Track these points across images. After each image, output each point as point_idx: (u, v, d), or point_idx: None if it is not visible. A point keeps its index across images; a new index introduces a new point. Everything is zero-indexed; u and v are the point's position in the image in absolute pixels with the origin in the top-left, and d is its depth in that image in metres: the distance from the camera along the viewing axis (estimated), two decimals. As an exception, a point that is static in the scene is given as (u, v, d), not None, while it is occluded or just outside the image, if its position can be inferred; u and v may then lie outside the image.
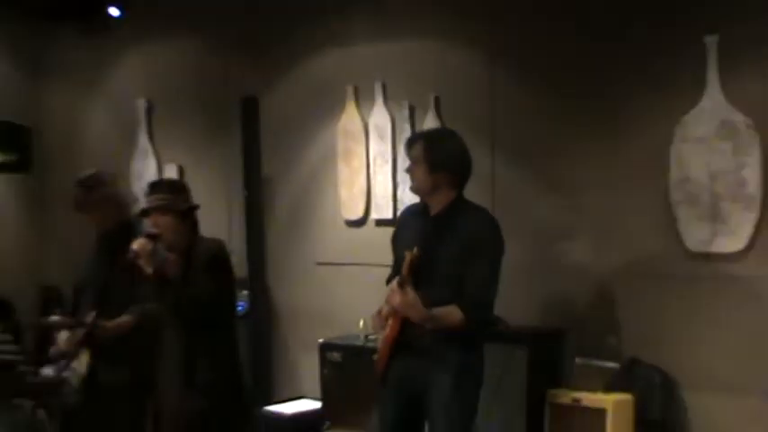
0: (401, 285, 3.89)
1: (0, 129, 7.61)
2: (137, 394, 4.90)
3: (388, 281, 4.20)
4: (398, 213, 5.67)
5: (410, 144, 4.23)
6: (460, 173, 4.11)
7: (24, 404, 6.14)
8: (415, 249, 3.92)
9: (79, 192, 5.01)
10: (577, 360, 4.89)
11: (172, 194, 4.51)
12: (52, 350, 5.33)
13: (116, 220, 4.95)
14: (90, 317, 4.75)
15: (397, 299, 3.91)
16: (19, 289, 7.38)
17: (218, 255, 4.47)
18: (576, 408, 4.69)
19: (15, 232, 7.56)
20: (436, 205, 4.11)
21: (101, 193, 4.96)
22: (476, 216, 4.10)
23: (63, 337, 5.36)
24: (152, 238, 4.47)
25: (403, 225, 4.35)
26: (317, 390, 5.68)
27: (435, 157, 4.05)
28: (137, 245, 4.41)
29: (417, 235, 4.08)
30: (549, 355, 4.97)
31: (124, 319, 4.77)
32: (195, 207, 4.58)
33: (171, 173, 6.83)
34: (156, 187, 4.67)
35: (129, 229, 4.72)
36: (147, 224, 4.97)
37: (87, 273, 5.20)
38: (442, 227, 4.04)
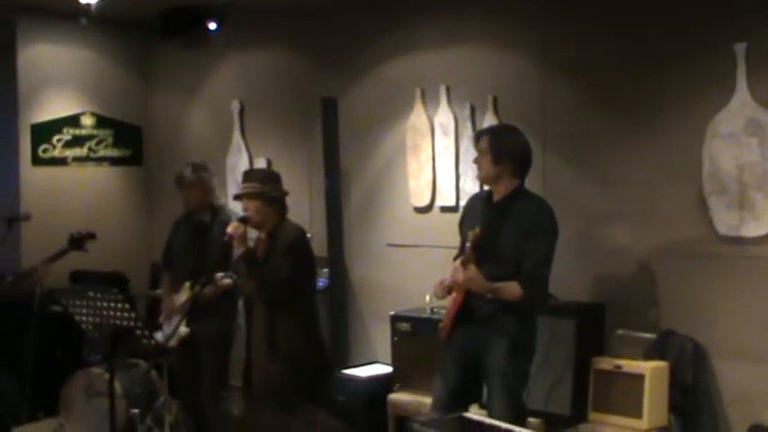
0: (464, 262, 3.96)
1: (117, 128, 7.81)
2: (221, 345, 5.06)
3: (456, 258, 4.27)
4: (460, 201, 5.72)
5: (478, 138, 4.32)
6: (521, 164, 4.17)
7: (140, 363, 6.34)
8: (477, 229, 3.98)
9: (185, 170, 5.24)
10: (618, 331, 4.89)
11: (262, 183, 4.64)
12: (161, 319, 5.50)
13: (205, 203, 5.16)
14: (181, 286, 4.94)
15: (460, 274, 3.97)
16: (133, 265, 7.54)
17: (296, 241, 4.56)
18: (618, 373, 4.70)
19: (129, 217, 7.74)
20: (499, 193, 4.17)
21: (200, 176, 5.19)
22: (534, 203, 4.17)
23: (165, 306, 5.51)
24: (244, 221, 4.61)
25: (469, 209, 4.42)
26: (389, 355, 5.74)
27: (499, 149, 4.12)
28: (231, 228, 4.56)
29: (481, 218, 4.14)
30: (594, 326, 4.96)
31: (226, 281, 4.94)
32: (282, 195, 4.68)
33: (261, 165, 6.93)
34: (248, 175, 4.81)
35: (214, 213, 5.18)
36: (232, 211, 5.18)
37: (172, 253, 5.41)
38: (504, 211, 4.10)
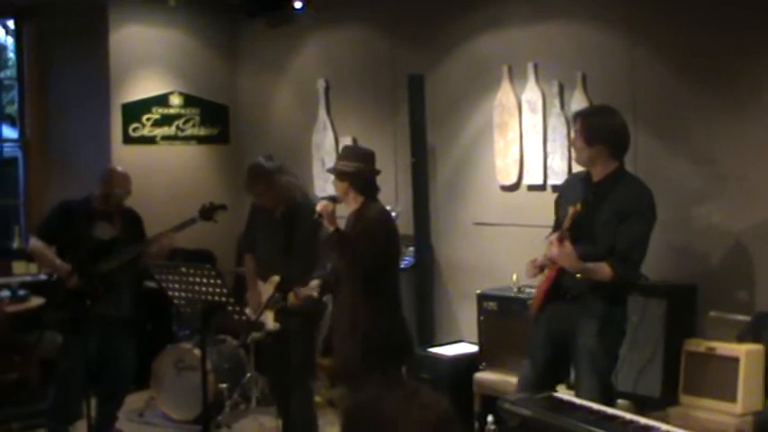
0: (560, 239, 3.95)
1: (205, 107, 7.95)
2: (309, 335, 5.10)
3: (550, 235, 4.26)
4: (548, 180, 5.69)
5: (575, 118, 4.29)
6: (616, 146, 4.12)
7: (227, 339, 6.47)
8: (578, 204, 3.96)
9: (246, 179, 5.21)
10: (711, 313, 4.82)
11: (352, 161, 4.66)
12: (247, 296, 5.57)
13: (278, 204, 5.14)
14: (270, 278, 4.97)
15: (555, 250, 3.97)
16: (219, 243, 7.69)
17: (374, 224, 4.57)
18: (711, 356, 4.63)
19: (216, 194, 7.76)
20: (598, 174, 4.14)
21: (263, 184, 5.13)
22: (635, 186, 4.13)
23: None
24: (333, 200, 4.65)
25: (567, 189, 4.41)
26: (474, 335, 5.75)
27: (591, 131, 4.09)
28: (320, 206, 4.59)
29: (579, 197, 4.12)
30: (685, 307, 4.90)
31: (308, 292, 4.92)
32: (371, 176, 4.71)
33: (346, 143, 6.97)
34: (343, 152, 4.84)
35: (293, 209, 5.04)
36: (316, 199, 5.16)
37: (252, 238, 5.40)
38: (603, 192, 4.07)
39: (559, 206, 4.33)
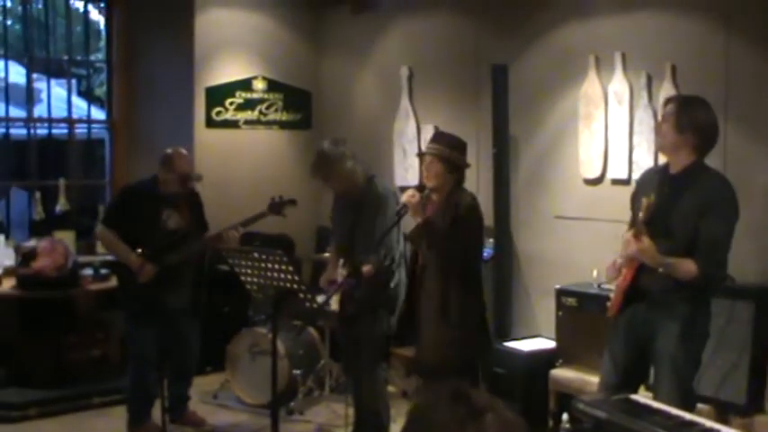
0: (636, 235, 3.80)
1: (288, 93, 7.94)
2: (371, 320, 5.03)
3: (626, 232, 4.11)
4: (633, 174, 5.50)
5: (666, 102, 4.12)
6: (705, 139, 3.94)
7: (301, 326, 6.46)
8: (652, 196, 3.81)
9: (312, 165, 5.18)
10: (801, 317, 4.60)
11: (449, 148, 4.59)
12: (321, 281, 5.55)
13: (346, 189, 5.11)
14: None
15: (633, 246, 3.81)
16: (299, 228, 7.67)
17: (467, 209, 4.50)
18: (800, 362, 4.43)
19: (297, 180, 7.83)
20: (677, 166, 3.96)
21: (327, 170, 5.13)
22: (715, 179, 3.93)
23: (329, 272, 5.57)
24: (420, 189, 4.58)
25: (643, 183, 4.24)
26: (552, 330, 5.62)
27: (684, 116, 3.90)
28: (406, 196, 4.53)
29: (656, 191, 3.96)
30: (774, 310, 4.70)
31: (366, 268, 4.88)
32: (464, 165, 4.65)
33: (428, 132, 6.88)
34: (438, 137, 4.79)
35: (357, 194, 5.05)
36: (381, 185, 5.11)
37: (333, 226, 5.43)
38: (680, 185, 3.89)
39: (635, 201, 4.16)
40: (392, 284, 5.07)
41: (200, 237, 5.57)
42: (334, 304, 5.07)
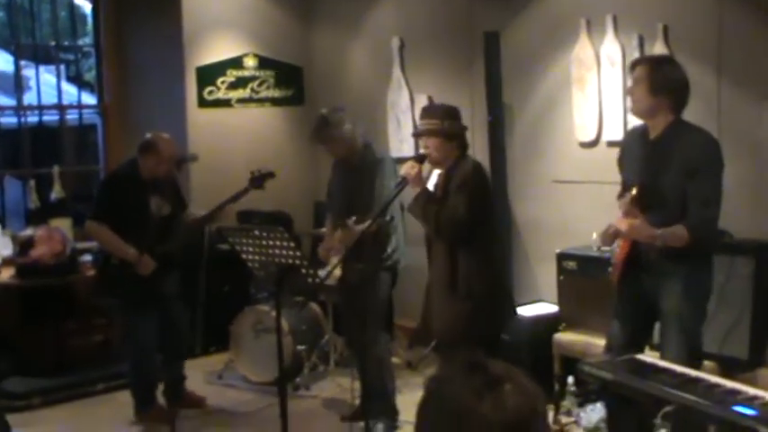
0: (627, 214, 3.82)
1: (279, 69, 7.92)
2: (369, 287, 5.06)
3: (619, 197, 4.14)
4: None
5: (633, 66, 4.10)
6: (680, 99, 3.94)
7: (304, 301, 6.49)
8: (635, 190, 3.82)
9: (311, 129, 5.33)
10: (802, 271, 4.63)
11: (441, 119, 4.58)
12: (320, 251, 5.58)
13: (345, 153, 5.17)
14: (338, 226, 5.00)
15: (624, 226, 3.83)
16: (296, 204, 7.70)
17: (470, 177, 4.47)
18: (801, 316, 4.48)
19: (293, 156, 7.87)
20: (656, 129, 3.96)
21: (326, 133, 5.21)
22: (695, 138, 3.92)
23: (327, 244, 5.59)
24: (419, 160, 4.57)
25: (627, 147, 4.26)
26: (554, 294, 5.66)
27: (656, 79, 3.90)
28: (405, 168, 4.53)
29: (639, 161, 3.98)
30: (774, 265, 4.73)
31: (363, 225, 4.91)
32: (462, 130, 4.63)
33: (421, 102, 6.88)
34: (427, 112, 4.77)
35: (358, 158, 5.17)
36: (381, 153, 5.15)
37: (331, 197, 5.47)
38: (663, 152, 3.90)
39: (622, 165, 4.18)
40: (389, 249, 5.11)
41: (184, 219, 5.60)
42: (336, 276, 5.09)
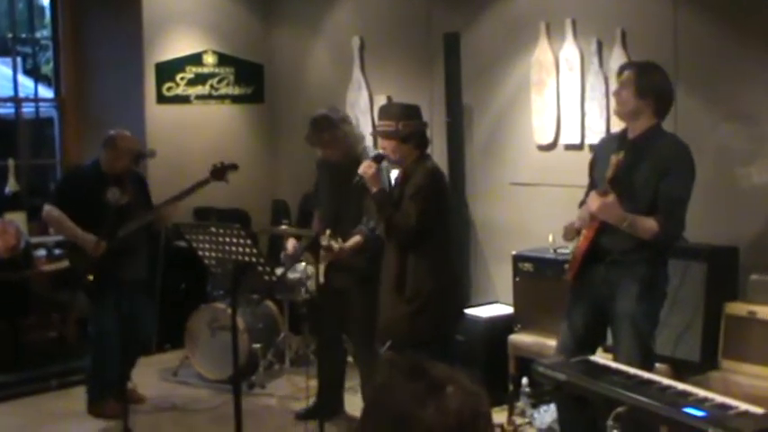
0: (603, 192, 3.86)
1: (239, 66, 7.87)
2: (364, 293, 5.02)
3: (581, 204, 4.17)
4: (586, 139, 5.57)
5: (621, 70, 4.19)
6: (663, 103, 4.04)
7: (259, 298, 6.45)
8: (621, 153, 3.87)
9: (311, 130, 5.14)
10: (753, 276, 4.68)
11: (396, 120, 4.52)
12: (282, 255, 5.56)
13: (343, 155, 5.07)
14: (322, 233, 4.89)
15: (596, 202, 3.88)
16: (254, 202, 7.66)
17: (424, 184, 4.44)
18: (752, 320, 4.53)
19: (251, 154, 7.82)
20: (635, 130, 4.04)
21: (328, 135, 5.07)
22: (672, 142, 4.03)
23: (290, 243, 5.57)
24: (377, 160, 4.55)
25: (601, 150, 4.30)
26: (510, 296, 5.67)
27: (644, 83, 3.97)
28: (362, 167, 4.50)
29: (616, 154, 4.01)
30: (726, 270, 4.77)
31: (356, 239, 4.91)
32: (418, 130, 4.57)
33: (381, 102, 6.87)
34: (383, 112, 4.74)
35: (354, 162, 4.82)
36: (371, 151, 5.06)
37: (319, 196, 5.37)
38: (640, 149, 3.97)
39: (594, 167, 4.22)
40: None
41: (149, 210, 5.57)
42: (308, 279, 5.04)
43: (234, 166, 5.50)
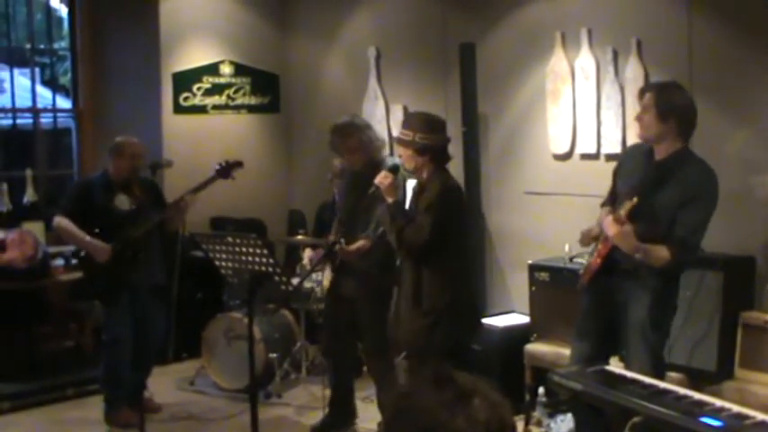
0: (619, 221, 3.82)
1: (255, 76, 7.91)
2: (372, 302, 5.04)
3: (603, 204, 4.17)
4: (601, 148, 5.57)
5: (642, 93, 4.11)
6: (687, 124, 3.97)
7: (275, 308, 6.47)
8: (635, 199, 3.83)
9: (335, 137, 5.14)
10: (769, 285, 4.69)
11: (415, 130, 4.47)
12: (298, 267, 5.58)
13: (366, 162, 5.07)
14: (333, 239, 4.92)
15: (612, 230, 3.84)
16: (270, 212, 7.68)
17: (438, 199, 4.40)
18: (768, 329, 4.52)
19: (268, 163, 7.86)
20: (661, 153, 3.99)
21: (354, 140, 5.07)
22: (700, 168, 3.96)
23: (307, 253, 5.60)
24: (394, 171, 4.54)
25: (627, 159, 4.28)
26: (526, 305, 5.68)
27: (664, 105, 3.92)
28: (379, 178, 4.49)
29: (639, 176, 4.00)
30: (742, 279, 4.77)
31: (362, 243, 4.94)
32: (437, 144, 4.49)
33: (397, 113, 6.91)
34: (406, 120, 4.73)
35: (376, 169, 4.78)
36: (390, 160, 5.07)
37: (339, 202, 5.38)
38: (665, 173, 3.93)
39: (617, 176, 4.21)
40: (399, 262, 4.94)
41: (156, 211, 5.59)
42: (325, 286, 5.04)
43: (239, 164, 5.53)
